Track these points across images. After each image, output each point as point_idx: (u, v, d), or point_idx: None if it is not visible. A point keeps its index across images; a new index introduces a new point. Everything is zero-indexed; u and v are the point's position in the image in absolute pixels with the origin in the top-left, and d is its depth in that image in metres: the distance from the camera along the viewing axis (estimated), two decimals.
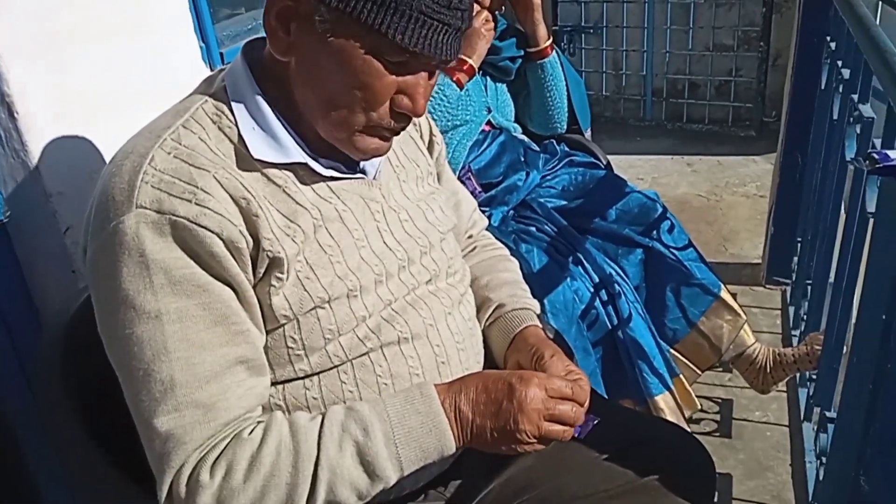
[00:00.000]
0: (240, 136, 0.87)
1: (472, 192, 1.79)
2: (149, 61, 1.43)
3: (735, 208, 3.15)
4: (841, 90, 1.78)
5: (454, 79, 1.76)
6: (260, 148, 0.86)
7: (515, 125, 2.03)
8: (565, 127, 2.06)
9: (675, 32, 3.80)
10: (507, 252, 1.28)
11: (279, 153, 0.88)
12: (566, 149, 2.03)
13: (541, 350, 1.00)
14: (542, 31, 1.93)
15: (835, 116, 1.82)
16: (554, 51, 1.97)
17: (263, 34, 0.89)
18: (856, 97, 1.60)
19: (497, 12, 1.92)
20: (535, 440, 0.88)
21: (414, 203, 1.02)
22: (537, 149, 1.99)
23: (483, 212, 1.77)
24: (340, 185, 0.93)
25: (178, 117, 0.86)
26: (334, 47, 0.82)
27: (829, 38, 2.09)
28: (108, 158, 0.85)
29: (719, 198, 3.25)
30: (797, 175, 2.38)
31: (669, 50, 3.84)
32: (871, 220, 1.30)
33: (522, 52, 1.96)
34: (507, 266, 1.22)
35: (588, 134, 2.12)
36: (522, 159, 1.90)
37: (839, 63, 1.84)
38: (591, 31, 3.98)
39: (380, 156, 0.93)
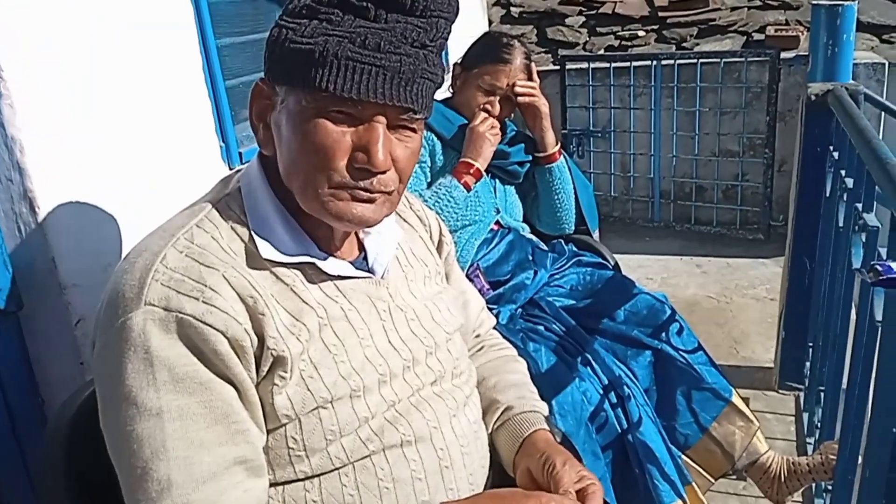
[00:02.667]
0: (251, 235, 0.89)
1: (480, 290, 1.80)
2: (170, 159, 1.48)
3: (745, 310, 3.14)
4: (845, 198, 1.80)
5: (462, 181, 1.81)
6: (269, 248, 0.88)
7: (524, 225, 2.06)
8: (573, 228, 2.09)
9: (681, 138, 3.90)
10: (514, 352, 1.27)
11: (287, 253, 0.90)
12: (574, 249, 2.05)
13: (552, 458, 0.98)
14: (550, 137, 1.99)
15: (840, 224, 1.84)
16: (562, 156, 2.02)
17: None
18: (860, 206, 1.63)
19: (507, 119, 1.99)
20: None
21: (421, 302, 1.03)
22: (545, 248, 2.02)
23: (491, 309, 1.78)
24: (348, 284, 0.95)
25: (192, 217, 0.89)
26: (289, 119, 0.87)
27: (831, 148, 2.15)
28: (123, 252, 0.87)
29: (729, 300, 3.25)
30: (806, 280, 2.39)
31: (676, 154, 3.93)
32: (880, 329, 1.30)
33: (531, 157, 2.01)
34: (514, 367, 1.21)
35: (596, 235, 2.15)
36: (531, 258, 1.92)
37: (842, 172, 1.88)
38: (600, 134, 4.09)
39: (365, 224, 0.91)
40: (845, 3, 3.33)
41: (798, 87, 3.70)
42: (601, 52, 4.50)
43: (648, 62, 3.87)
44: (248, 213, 0.91)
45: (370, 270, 0.99)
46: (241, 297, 0.84)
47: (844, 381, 1.73)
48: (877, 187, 1.56)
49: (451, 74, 2.02)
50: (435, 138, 1.93)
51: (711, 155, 3.88)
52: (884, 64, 3.45)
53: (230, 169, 1.65)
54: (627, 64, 3.91)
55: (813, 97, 2.30)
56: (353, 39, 0.83)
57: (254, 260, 0.88)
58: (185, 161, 1.52)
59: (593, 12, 4.75)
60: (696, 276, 3.54)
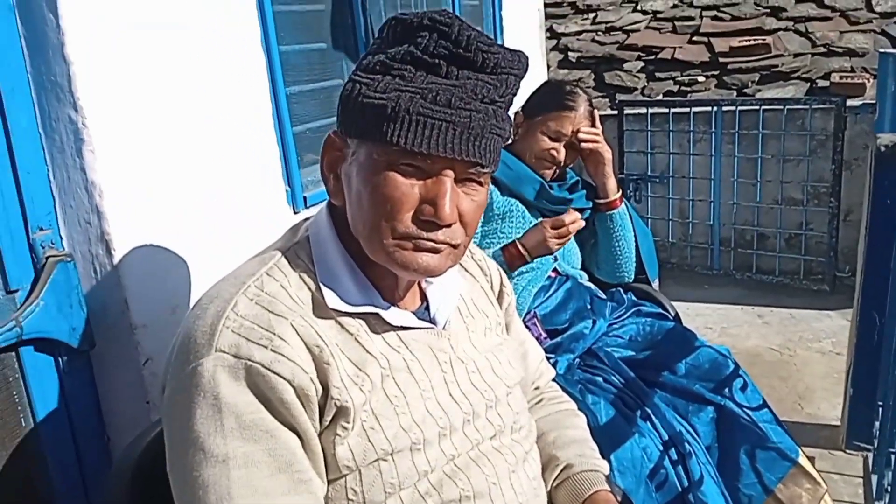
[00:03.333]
0: (318, 284, 0.90)
1: (536, 338, 1.78)
2: (239, 204, 1.53)
3: (810, 364, 3.03)
4: None
5: (507, 258, 1.80)
6: (335, 297, 0.90)
7: (582, 273, 2.05)
8: (633, 276, 2.07)
9: (742, 185, 3.83)
10: (574, 406, 1.25)
11: (352, 303, 0.91)
12: (633, 298, 2.02)
13: None
14: (611, 184, 1.98)
15: None
16: (623, 203, 2.01)
17: None
18: None
19: (568, 167, 1.99)
20: None
21: (482, 355, 1.03)
22: (604, 297, 1.99)
23: (548, 359, 1.76)
24: (410, 334, 0.95)
25: (262, 265, 0.91)
26: (360, 170, 0.89)
27: None
28: (192, 294, 0.90)
29: (793, 353, 3.14)
30: (875, 336, 2.30)
31: (737, 201, 3.86)
32: None
33: (591, 204, 2.00)
34: (574, 422, 1.19)
35: (656, 284, 2.12)
36: (589, 307, 1.90)
37: None
38: (658, 180, 4.05)
39: (430, 273, 0.92)
40: None
41: (864, 136, 3.61)
42: (660, 97, 4.48)
43: (709, 108, 3.83)
44: (316, 262, 0.92)
45: (432, 321, 0.99)
46: (307, 345, 0.85)
47: None
48: None
49: (513, 122, 2.03)
50: (493, 184, 1.94)
51: (774, 203, 3.80)
52: None
53: (295, 212, 1.69)
54: (687, 109, 3.89)
55: (882, 148, 2.24)
56: (424, 95, 0.84)
57: (320, 309, 0.89)
58: (253, 205, 1.57)
59: (652, 58, 4.75)
60: (758, 326, 3.44)
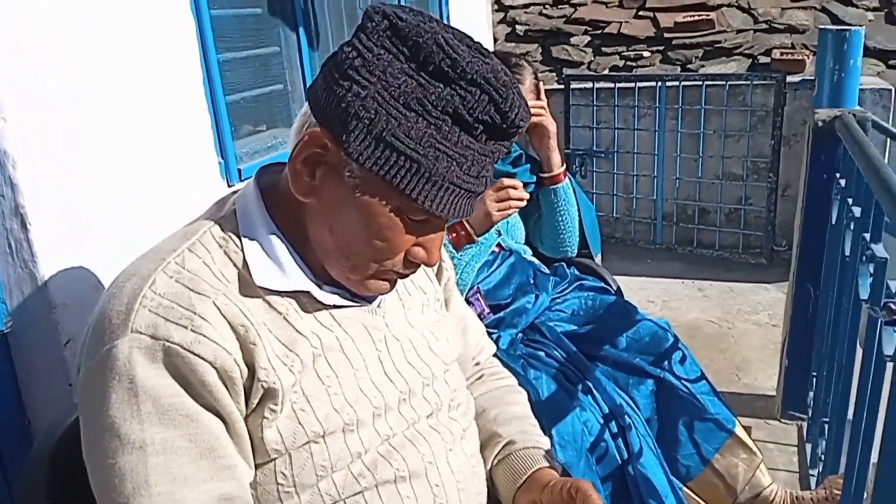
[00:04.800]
0: (245, 261, 0.86)
1: (479, 314, 1.77)
2: (166, 176, 1.46)
3: (747, 336, 3.11)
4: (852, 227, 1.78)
5: (451, 237, 1.76)
6: (263, 275, 0.86)
7: (525, 248, 2.03)
8: (576, 251, 2.06)
9: (684, 160, 3.88)
10: (515, 382, 1.24)
11: (282, 280, 0.87)
12: (576, 273, 2.02)
13: (567, 482, 0.96)
14: (556, 157, 1.96)
15: (847, 253, 1.82)
16: (567, 177, 2.00)
17: (282, 154, 0.90)
18: (867, 236, 1.60)
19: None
20: None
21: (418, 332, 1.00)
22: (547, 272, 1.99)
23: (491, 334, 1.75)
24: (343, 312, 0.92)
25: (184, 240, 0.86)
26: (360, 202, 0.83)
27: (838, 175, 2.12)
28: (115, 271, 0.85)
29: (731, 325, 3.21)
30: (810, 308, 2.35)
31: (679, 176, 3.91)
32: (890, 364, 1.26)
33: (535, 178, 1.99)
34: (515, 398, 1.18)
35: (598, 259, 2.12)
36: (532, 282, 1.89)
37: (849, 200, 1.85)
38: (603, 155, 4.07)
39: (384, 294, 0.93)
40: (852, 28, 3.31)
41: (803, 112, 3.68)
42: (606, 71, 4.49)
43: (653, 83, 3.86)
44: (243, 238, 0.88)
45: (366, 298, 0.96)
46: (231, 325, 0.81)
47: (849, 411, 1.69)
48: (886, 218, 1.53)
49: None
50: None
51: (715, 178, 3.86)
52: (890, 90, 3.44)
53: (229, 186, 1.63)
54: (632, 84, 3.90)
55: (820, 123, 2.28)
56: (461, 162, 0.81)
57: (247, 287, 0.85)
58: (182, 178, 1.50)
59: (598, 32, 4.75)
60: (698, 299, 3.50)
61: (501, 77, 0.81)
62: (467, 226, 1.77)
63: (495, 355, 1.30)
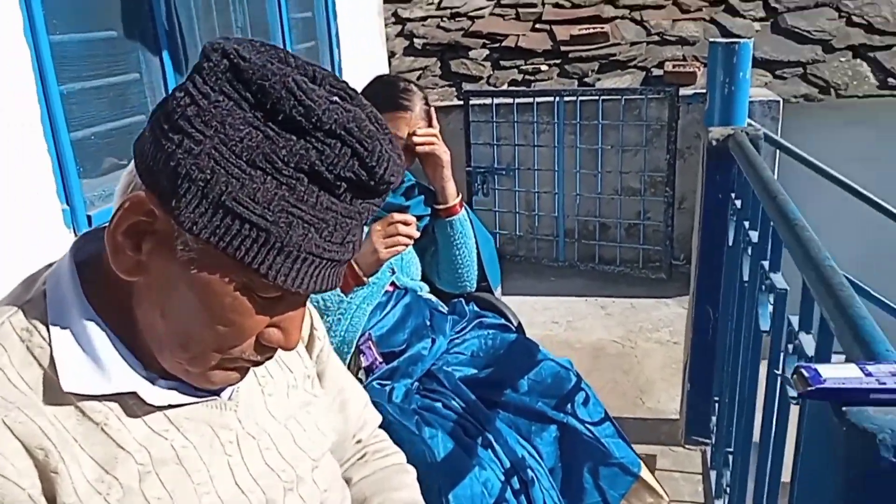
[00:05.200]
0: (52, 359, 0.69)
1: (371, 364, 1.64)
2: None
3: (650, 356, 3.10)
4: (750, 252, 1.74)
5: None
6: (73, 376, 0.69)
7: (422, 284, 1.91)
8: (475, 285, 1.96)
9: (584, 176, 3.87)
10: (402, 459, 1.11)
11: (99, 382, 0.70)
12: (476, 309, 1.91)
13: None
14: (451, 188, 1.85)
15: (745, 278, 1.78)
16: (463, 208, 1.89)
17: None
18: (766, 264, 1.56)
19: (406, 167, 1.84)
20: None
21: (281, 423, 0.86)
22: (445, 309, 1.87)
23: (384, 385, 1.62)
24: (183, 412, 0.76)
25: None
26: (198, 280, 0.68)
27: (733, 195, 2.10)
28: None
29: (634, 344, 3.20)
30: (709, 330, 2.34)
31: (580, 192, 3.89)
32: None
33: (430, 210, 1.87)
34: (402, 481, 1.05)
35: (498, 292, 2.02)
36: (428, 324, 1.77)
37: (746, 224, 1.82)
38: (504, 172, 4.02)
39: (234, 384, 0.77)
40: (741, 40, 3.38)
41: (696, 125, 3.74)
42: (505, 86, 4.45)
43: (551, 98, 3.83)
44: (51, 328, 0.71)
45: (214, 391, 0.80)
46: (27, 449, 0.65)
47: (754, 438, 1.66)
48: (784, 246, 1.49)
49: None
50: None
51: (614, 193, 3.87)
52: (778, 101, 3.53)
53: (76, 235, 1.43)
54: (531, 100, 3.86)
55: (713, 142, 2.27)
56: (320, 229, 0.67)
57: (53, 393, 0.69)
58: (18, 229, 1.29)
59: (497, 45, 4.71)
60: (601, 318, 3.48)
61: (367, 126, 0.68)
62: (355, 266, 1.63)
63: (389, 403, 1.17)
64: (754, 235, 1.70)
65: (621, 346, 3.20)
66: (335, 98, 0.69)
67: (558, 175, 3.91)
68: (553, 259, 4.03)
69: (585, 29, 4.57)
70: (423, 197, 1.86)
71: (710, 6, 4.69)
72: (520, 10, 4.94)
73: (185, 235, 0.67)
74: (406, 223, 1.64)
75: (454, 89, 4.53)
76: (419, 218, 1.85)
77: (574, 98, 3.77)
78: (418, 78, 4.67)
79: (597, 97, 3.74)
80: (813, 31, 4.20)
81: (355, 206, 0.70)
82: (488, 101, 3.95)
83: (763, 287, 1.57)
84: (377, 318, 1.73)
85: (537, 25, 4.81)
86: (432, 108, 1.83)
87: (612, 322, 3.42)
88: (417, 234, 1.66)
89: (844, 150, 3.71)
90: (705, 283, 2.32)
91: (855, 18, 4.22)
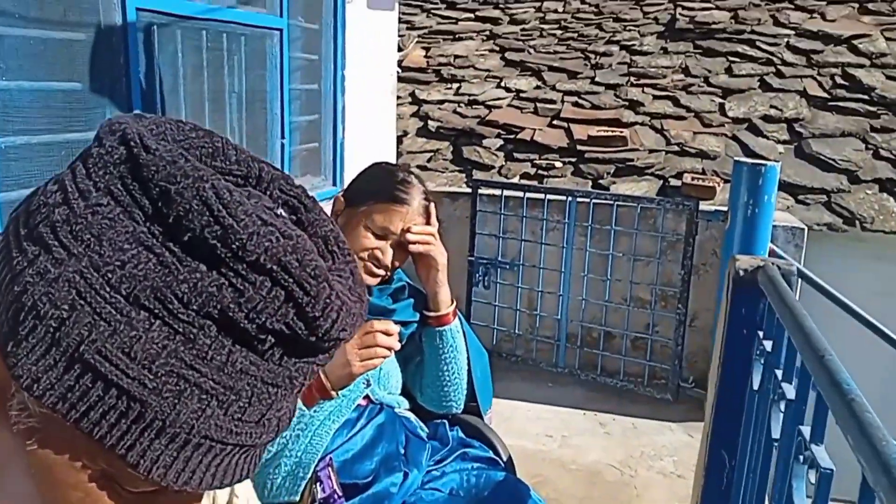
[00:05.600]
0: None
1: (327, 497, 1.38)
2: None
3: (651, 488, 2.80)
4: (783, 408, 1.50)
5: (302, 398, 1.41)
6: None
7: (401, 399, 1.67)
8: (462, 406, 1.71)
9: (592, 281, 3.65)
10: None
11: None
12: (461, 435, 1.66)
13: None
14: (444, 294, 1.63)
15: (774, 434, 1.53)
16: (457, 317, 1.66)
17: None
18: (806, 433, 1.32)
19: (397, 265, 1.62)
20: None
21: None
22: (424, 435, 1.62)
23: None
24: None
25: None
26: (37, 461, 0.46)
27: (761, 334, 1.88)
28: None
29: (634, 472, 2.91)
30: (724, 478, 2.06)
31: (586, 297, 3.67)
32: None
33: (418, 316, 1.64)
34: None
35: (488, 418, 1.77)
36: (402, 452, 1.51)
37: (778, 374, 1.58)
38: (508, 266, 3.81)
39: None
40: (768, 163, 3.23)
41: (713, 242, 3.55)
42: (517, 178, 4.30)
43: (563, 197, 3.65)
44: None
45: None
46: None
47: None
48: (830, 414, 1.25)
49: (331, 207, 1.65)
50: None
51: (623, 302, 3.64)
52: (803, 229, 3.34)
53: None
54: (542, 196, 3.69)
55: (741, 272, 2.05)
56: (225, 402, 0.46)
57: None
58: None
59: (512, 137, 4.59)
60: (600, 436, 3.20)
61: (312, 261, 0.46)
62: (322, 376, 1.39)
63: None
64: (789, 390, 1.46)
65: (620, 472, 2.91)
66: (278, 213, 0.48)
67: (565, 276, 3.69)
68: (552, 364, 3.77)
69: (604, 131, 4.46)
70: (412, 300, 1.64)
71: (733, 123, 4.59)
72: (538, 104, 4.86)
73: (24, 394, 0.44)
74: (387, 333, 1.40)
75: (464, 175, 4.39)
76: (405, 324, 1.62)
77: (587, 200, 3.59)
78: (429, 160, 4.53)
79: (612, 202, 3.56)
80: (839, 160, 4.06)
81: (285, 369, 0.48)
82: (498, 191, 3.78)
83: (801, 458, 1.32)
84: (342, 438, 1.48)
85: (555, 122, 4.70)
86: (432, 205, 1.63)
87: (611, 442, 3.14)
88: (398, 346, 1.43)
89: (868, 283, 3.51)
90: (723, 426, 2.06)
91: (882, 152, 4.09)
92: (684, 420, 3.32)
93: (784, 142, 4.47)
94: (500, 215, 3.78)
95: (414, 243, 1.56)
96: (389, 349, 1.40)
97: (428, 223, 1.62)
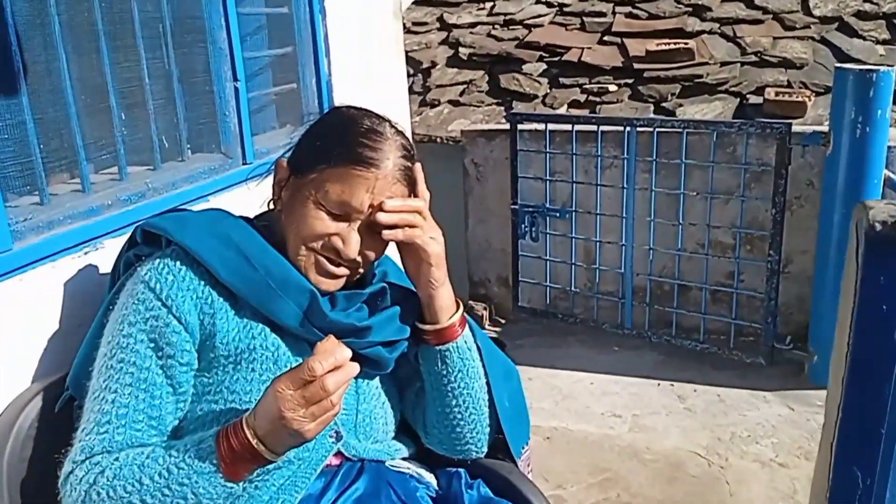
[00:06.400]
0: None
1: None
2: None
3: (746, 481, 2.27)
4: None
5: (223, 465, 0.91)
6: None
7: (395, 446, 1.17)
8: (485, 448, 1.20)
9: (660, 226, 3.05)
10: None
11: None
12: (485, 492, 1.16)
13: None
14: (443, 297, 1.11)
15: None
16: (465, 328, 1.14)
17: None
18: None
19: (372, 258, 1.10)
20: None
21: None
22: (432, 494, 1.12)
23: None
24: None
25: None
26: None
27: None
28: None
29: (724, 461, 2.37)
30: (855, 502, 1.52)
31: (654, 246, 3.08)
32: None
33: (408, 331, 1.12)
34: None
35: (524, 460, 1.25)
36: None
37: None
38: (558, 214, 3.24)
39: None
40: (880, 69, 2.55)
41: (808, 170, 2.90)
42: (563, 107, 3.69)
43: (621, 127, 3.03)
44: None
45: None
46: None
47: None
48: None
49: (272, 176, 1.13)
50: (216, 293, 1.04)
51: (699, 248, 3.05)
52: None
53: None
54: (594, 127, 3.08)
55: (877, 226, 1.45)
56: None
57: None
58: None
59: (556, 59, 3.96)
60: (679, 414, 2.66)
61: None
62: (246, 434, 0.90)
63: None
64: None
65: (707, 462, 2.38)
66: None
67: (627, 222, 3.10)
68: (617, 325, 3.22)
69: (665, 44, 3.78)
70: (397, 309, 1.11)
71: (821, 23, 3.83)
72: (585, 18, 4.18)
73: None
74: (338, 364, 0.90)
75: (503, 109, 3.80)
76: (390, 345, 1.11)
77: (650, 129, 2.96)
78: (461, 93, 3.95)
79: (680, 129, 2.93)
80: None
81: None
82: (542, 126, 3.18)
83: None
84: None
85: (606, 38, 4.03)
86: (418, 166, 1.09)
87: (693, 422, 2.60)
88: (356, 371, 0.93)
89: None
90: (854, 433, 1.51)
91: None
92: (782, 388, 2.75)
93: (885, 42, 3.70)
94: (545, 154, 3.19)
95: (389, 227, 1.03)
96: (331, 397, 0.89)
97: (413, 194, 1.08)
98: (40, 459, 1.11)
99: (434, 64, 4.18)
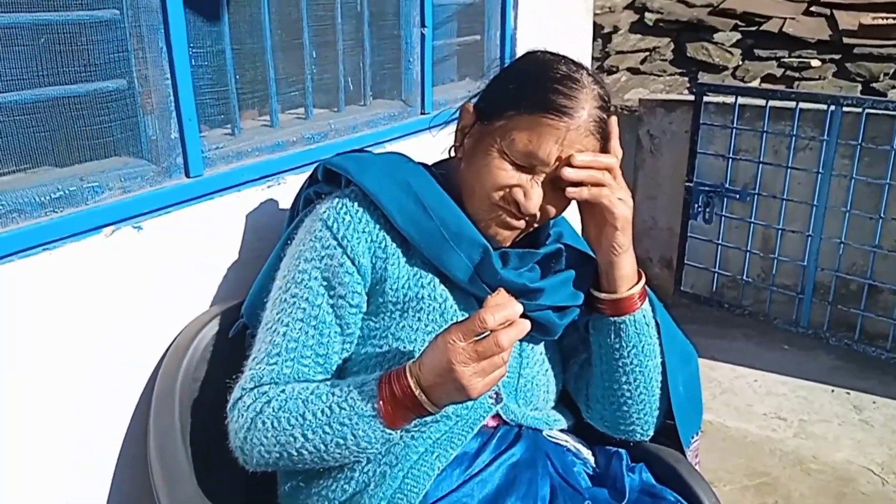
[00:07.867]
0: None
1: None
2: None
3: None
4: None
5: (382, 410, 0.89)
6: None
7: (553, 416, 1.12)
8: (651, 430, 1.12)
9: (856, 218, 2.75)
10: None
11: None
12: (647, 477, 1.08)
13: None
14: (626, 266, 1.03)
15: None
16: (646, 301, 1.06)
17: None
18: None
19: (552, 215, 1.04)
20: None
21: None
22: (588, 471, 1.06)
23: None
24: None
25: None
26: None
27: None
28: None
29: None
30: None
31: (845, 240, 2.78)
32: None
33: (582, 298, 1.06)
34: None
35: (692, 450, 1.15)
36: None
37: None
38: (738, 196, 3.01)
39: None
40: None
41: None
42: (755, 81, 3.41)
43: (823, 106, 2.74)
44: None
45: None
46: None
47: None
48: None
49: (456, 122, 1.09)
50: (391, 239, 1.02)
51: None
52: None
53: None
54: (792, 104, 2.80)
55: None
56: None
57: None
58: None
59: (753, 29, 3.65)
60: (854, 425, 2.42)
61: None
62: (410, 382, 0.88)
63: None
64: None
65: (881, 480, 2.15)
66: None
67: (817, 211, 2.82)
68: (791, 321, 2.97)
69: (883, 18, 3.37)
70: (572, 273, 1.05)
71: None
72: None
73: None
74: (511, 321, 0.85)
75: (686, 79, 3.57)
76: (562, 310, 1.05)
77: (859, 109, 2.66)
78: (643, 61, 3.75)
79: (893, 112, 2.60)
80: None
81: None
82: (730, 99, 2.95)
83: None
84: (454, 481, 0.97)
85: (813, 7, 3.66)
86: (613, 119, 1.01)
87: (869, 435, 2.36)
88: (527, 328, 0.88)
89: None
90: None
91: None
92: None
93: None
94: (731, 129, 2.96)
95: (576, 184, 0.96)
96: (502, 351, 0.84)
97: (605, 150, 1.00)
98: (212, 382, 1.16)
99: (616, 29, 4.00)
